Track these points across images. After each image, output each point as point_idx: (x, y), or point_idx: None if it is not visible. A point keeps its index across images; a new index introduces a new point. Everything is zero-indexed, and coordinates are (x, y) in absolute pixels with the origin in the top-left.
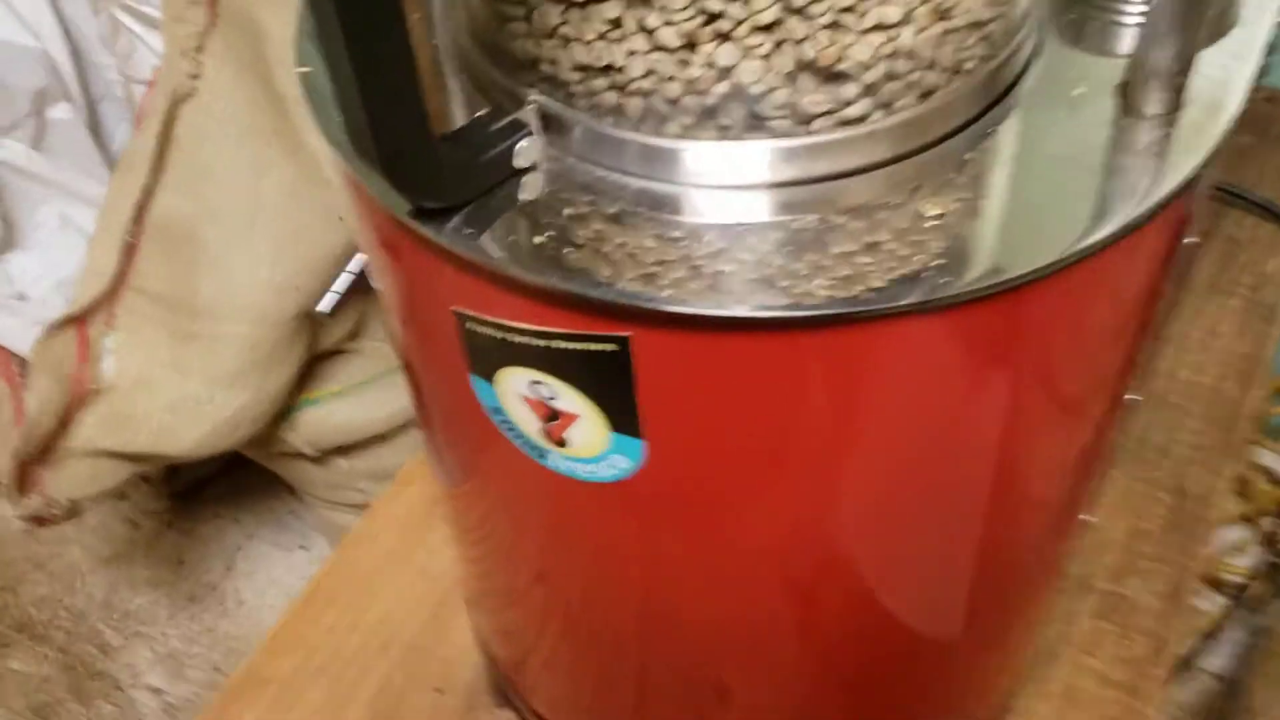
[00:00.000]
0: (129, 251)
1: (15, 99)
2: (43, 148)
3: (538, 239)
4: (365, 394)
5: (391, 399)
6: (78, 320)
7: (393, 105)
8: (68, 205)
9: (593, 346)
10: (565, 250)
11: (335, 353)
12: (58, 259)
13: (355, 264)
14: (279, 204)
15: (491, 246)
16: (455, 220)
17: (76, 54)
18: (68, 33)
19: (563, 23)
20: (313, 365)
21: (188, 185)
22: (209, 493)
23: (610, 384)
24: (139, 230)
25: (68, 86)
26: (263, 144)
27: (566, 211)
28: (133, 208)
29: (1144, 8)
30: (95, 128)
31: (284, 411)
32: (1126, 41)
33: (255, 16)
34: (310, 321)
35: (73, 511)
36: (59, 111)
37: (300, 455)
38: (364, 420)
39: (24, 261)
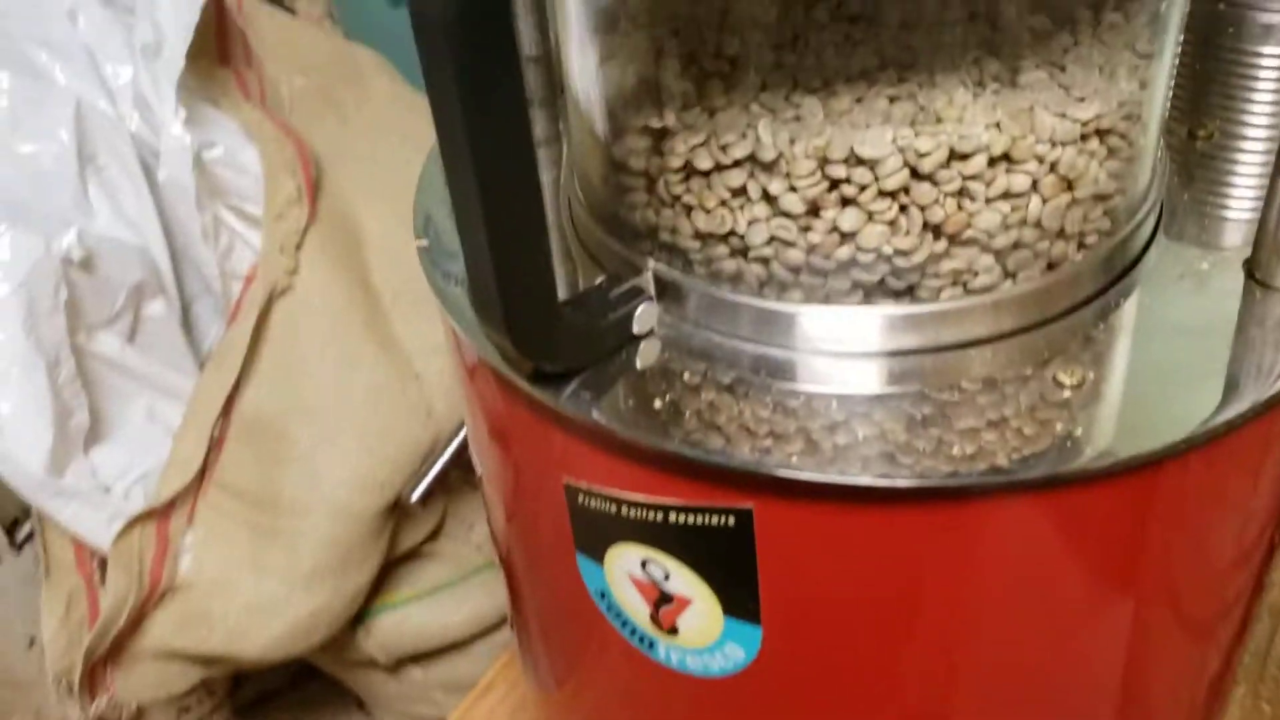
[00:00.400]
0: (215, 446)
1: (115, 294)
2: (136, 342)
3: (654, 405)
4: (443, 599)
5: (469, 605)
6: (158, 515)
7: (522, 268)
8: (156, 400)
9: (711, 520)
10: (681, 418)
11: (413, 556)
12: (142, 453)
13: (449, 453)
14: (368, 400)
15: (607, 412)
16: (572, 386)
17: (175, 252)
18: (169, 230)
19: (685, 191)
20: (390, 569)
21: (278, 380)
22: (275, 705)
23: (728, 562)
24: (226, 424)
25: (164, 283)
26: (355, 340)
27: (683, 378)
28: (221, 401)
29: (1255, 203)
30: (188, 324)
31: (359, 616)
32: (1244, 232)
33: (353, 214)
34: (392, 520)
35: (137, 718)
36: (154, 307)
37: (373, 664)
38: (441, 626)
39: (109, 455)
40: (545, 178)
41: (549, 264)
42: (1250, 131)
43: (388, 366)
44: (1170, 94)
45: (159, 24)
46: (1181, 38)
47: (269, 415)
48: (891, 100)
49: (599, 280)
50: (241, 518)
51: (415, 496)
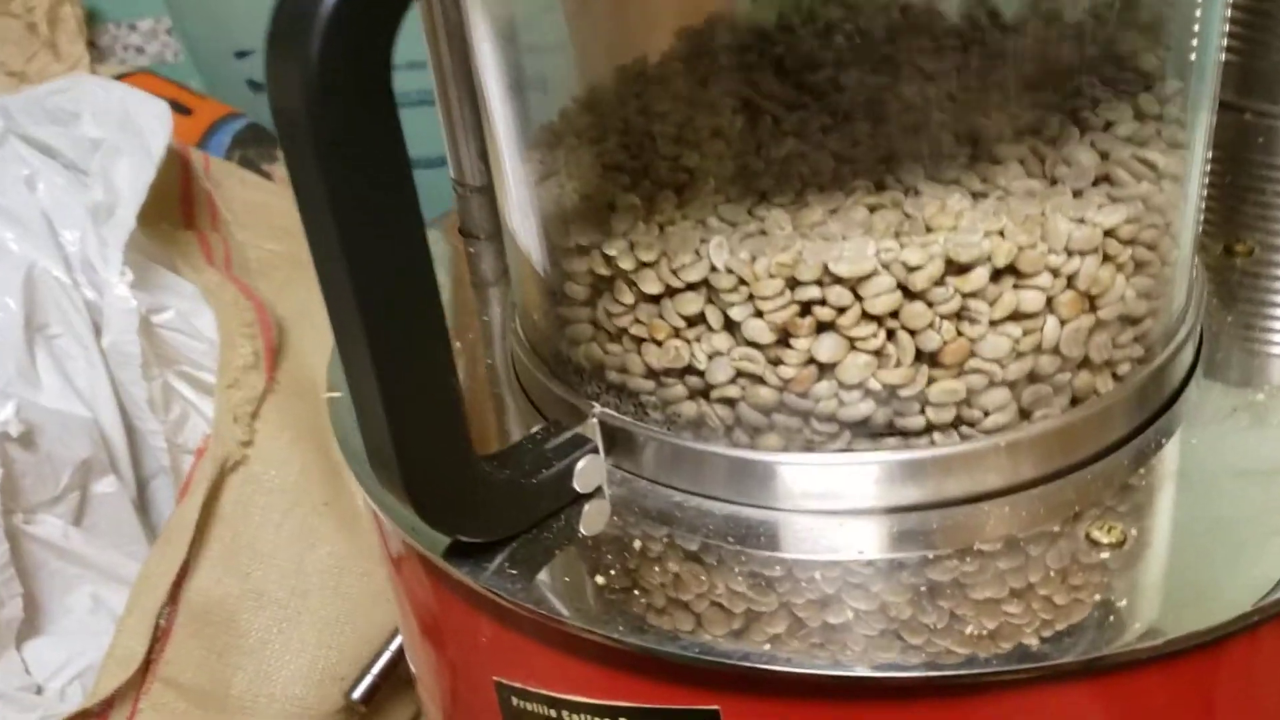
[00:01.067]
0: (161, 636)
1: (58, 472)
2: (84, 524)
3: (601, 582)
4: None
5: None
6: (95, 715)
7: (425, 414)
8: (102, 587)
9: None
10: (633, 598)
11: None
12: (83, 646)
13: (393, 646)
14: (326, 583)
15: (542, 593)
16: (499, 559)
17: (130, 426)
18: (122, 403)
19: (633, 321)
20: None
21: (229, 562)
22: None
23: None
24: (173, 612)
25: (116, 459)
26: (313, 516)
27: (637, 546)
28: (168, 587)
29: None
30: (144, 504)
31: None
32: None
33: (317, 381)
34: (355, 718)
35: None
36: (104, 485)
37: None
38: None
39: (45, 649)
40: (494, 315)
41: (458, 410)
42: None
43: (349, 546)
44: (1202, 205)
45: (114, 185)
46: (1210, 142)
47: (219, 602)
48: (872, 209)
49: (534, 430)
50: (186, 717)
51: (357, 694)
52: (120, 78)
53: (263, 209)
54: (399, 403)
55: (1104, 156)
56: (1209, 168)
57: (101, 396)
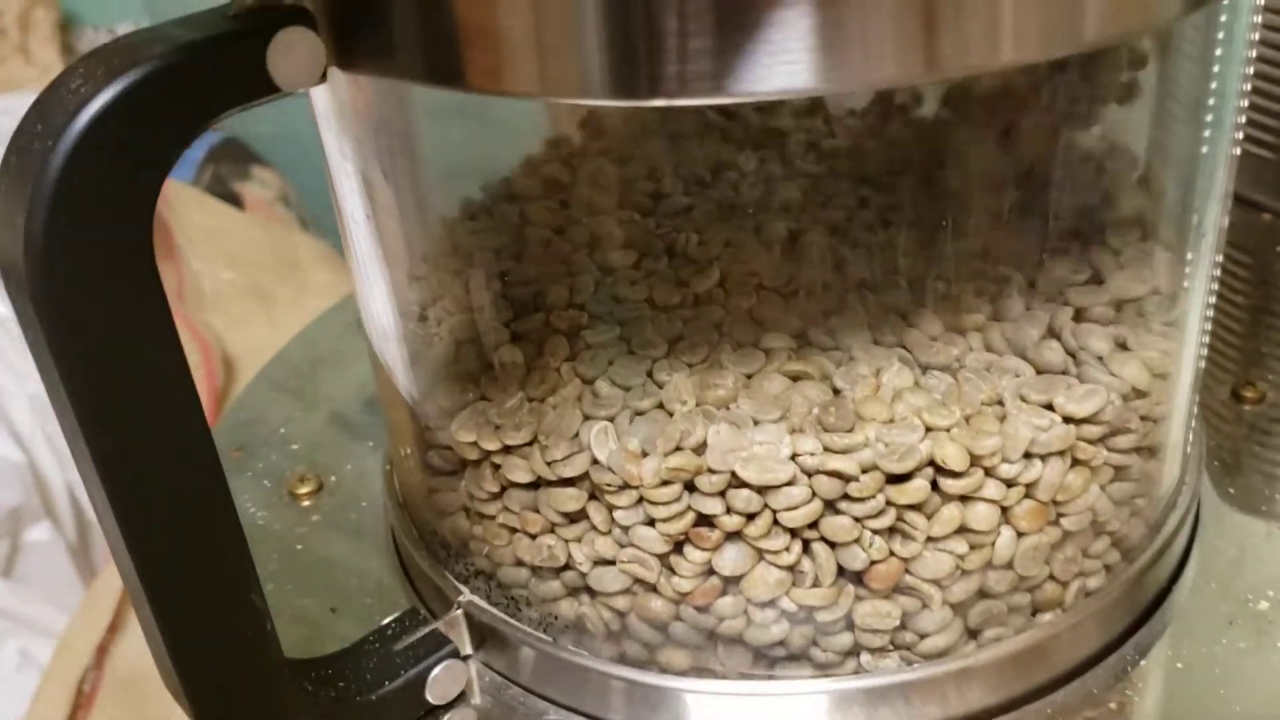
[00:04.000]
0: (84, 703)
1: None
2: (14, 575)
3: None
4: None
5: None
6: None
7: (212, 630)
8: (32, 640)
9: None
10: None
11: None
12: (8, 706)
13: None
14: None
15: None
16: None
17: (69, 468)
18: (59, 446)
19: (502, 508)
20: None
21: None
22: None
23: None
24: (98, 678)
25: (54, 506)
26: None
27: None
28: (92, 651)
29: None
30: (86, 553)
31: None
32: None
33: None
34: None
35: None
36: (37, 533)
37: None
38: None
39: None
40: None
41: (258, 617)
42: None
43: None
44: (1204, 346)
45: None
46: (1218, 258)
47: (145, 669)
48: (794, 378)
49: (384, 623)
50: None
51: None
52: None
53: (221, 235)
54: (177, 614)
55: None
56: (1213, 301)
57: (39, 439)
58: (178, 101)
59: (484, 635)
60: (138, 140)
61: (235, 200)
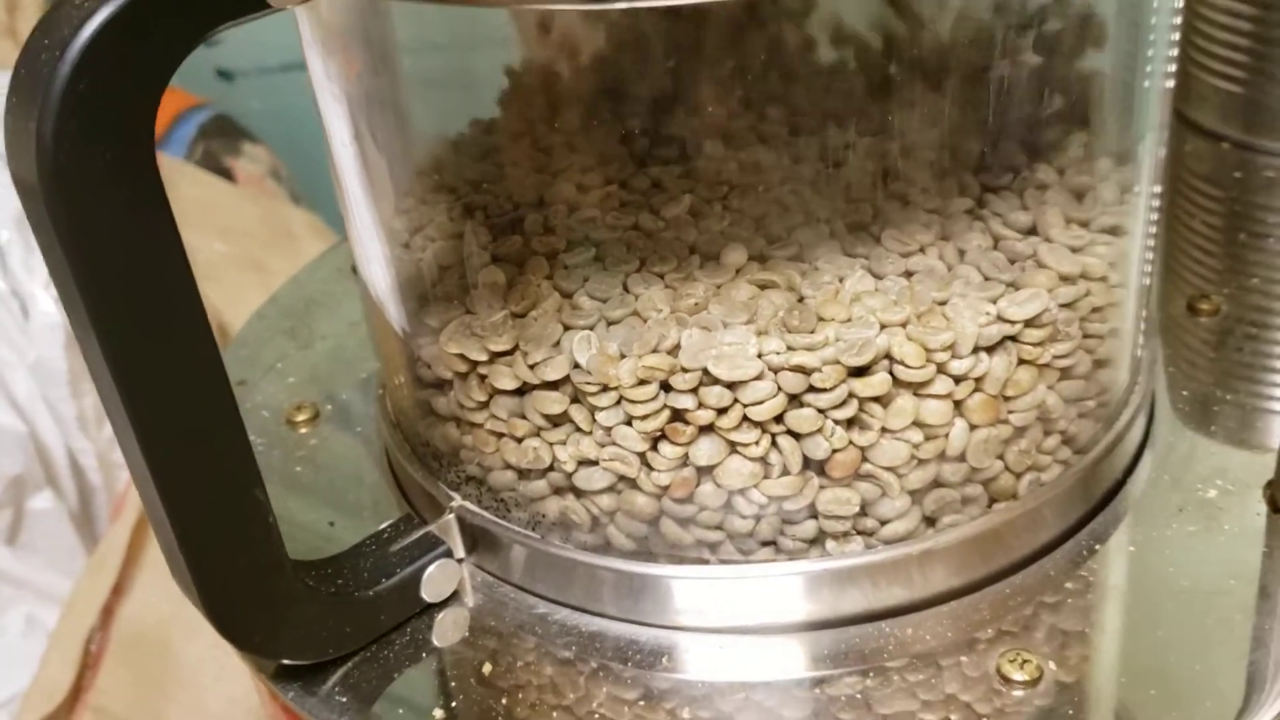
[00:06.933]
0: (91, 664)
1: None
2: (18, 542)
3: (451, 708)
4: None
5: None
6: None
7: (220, 528)
8: (37, 607)
9: None
10: None
11: None
12: (16, 670)
13: None
14: None
15: None
16: (332, 681)
17: (70, 437)
18: (59, 414)
19: (490, 416)
20: None
21: (162, 587)
22: None
23: None
24: (104, 638)
25: (56, 475)
26: None
27: (497, 665)
28: (98, 612)
29: None
30: (88, 520)
31: None
32: (1275, 431)
33: None
34: None
35: None
36: (40, 501)
37: None
38: None
39: None
40: None
41: (262, 514)
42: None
43: None
44: (1151, 254)
45: None
46: (1158, 188)
47: (151, 627)
48: (761, 287)
49: (381, 527)
50: None
51: None
52: None
53: (212, 208)
54: (187, 510)
55: (1027, 211)
56: (1158, 204)
57: (39, 407)
58: (176, 15)
59: (475, 538)
60: (139, 51)
61: (227, 175)
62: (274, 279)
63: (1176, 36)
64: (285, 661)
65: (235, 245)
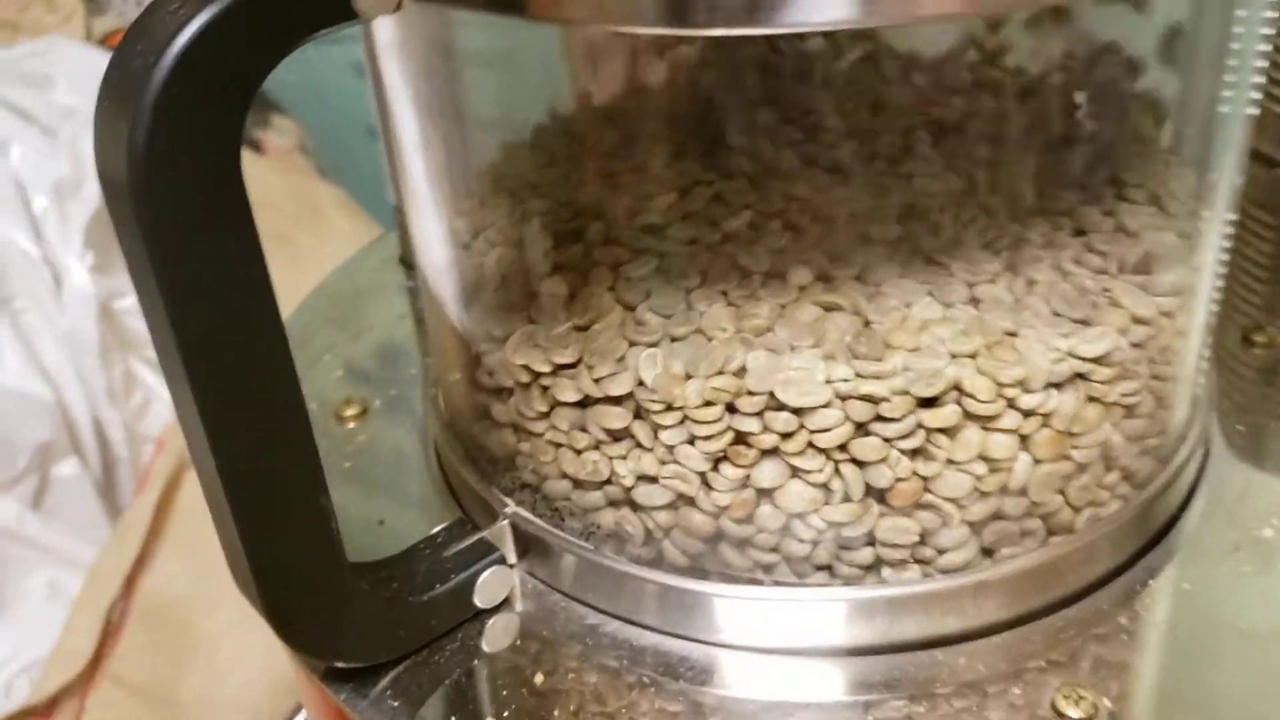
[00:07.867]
0: (112, 632)
1: (15, 454)
2: (43, 508)
3: (503, 717)
4: None
5: None
6: (39, 714)
7: (284, 531)
8: (61, 572)
9: None
10: None
11: None
12: (39, 635)
13: None
14: None
15: None
16: (382, 684)
17: (97, 406)
18: (88, 384)
19: (550, 426)
20: None
21: (185, 559)
22: None
23: None
24: (126, 608)
25: (80, 442)
26: None
27: (545, 673)
28: (120, 582)
29: None
30: (111, 488)
31: None
32: None
33: None
34: None
35: None
36: (65, 468)
37: None
38: None
39: None
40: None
41: (325, 518)
42: None
43: None
44: (1216, 297)
45: (82, 158)
46: (1231, 216)
47: (172, 600)
48: (826, 309)
49: (434, 531)
50: (137, 719)
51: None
52: (115, 33)
53: None
54: (252, 511)
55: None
56: (1226, 254)
57: (68, 376)
58: (268, 25)
59: (528, 545)
60: (231, 60)
61: (255, 147)
62: (299, 253)
63: (1265, 63)
64: (338, 664)
65: (261, 217)
